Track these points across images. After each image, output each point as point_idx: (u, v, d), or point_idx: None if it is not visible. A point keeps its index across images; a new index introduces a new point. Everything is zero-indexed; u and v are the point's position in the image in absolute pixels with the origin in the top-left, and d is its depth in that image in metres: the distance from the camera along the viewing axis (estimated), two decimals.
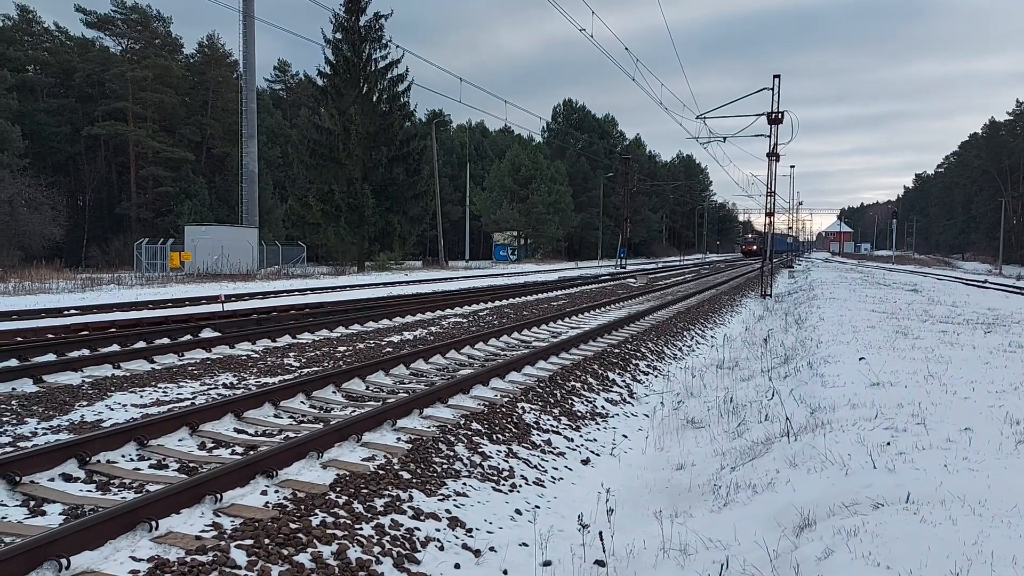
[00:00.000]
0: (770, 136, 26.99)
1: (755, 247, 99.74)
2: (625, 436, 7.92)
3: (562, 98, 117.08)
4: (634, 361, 11.79)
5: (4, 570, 3.43)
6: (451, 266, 55.30)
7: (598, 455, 7.20)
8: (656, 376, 11.34)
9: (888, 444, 5.31)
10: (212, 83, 66.16)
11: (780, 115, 26.51)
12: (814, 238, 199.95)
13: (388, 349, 11.64)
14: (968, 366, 8.71)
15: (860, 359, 9.25)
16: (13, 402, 7.31)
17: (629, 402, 9.53)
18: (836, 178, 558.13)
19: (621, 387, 10.11)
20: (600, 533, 4.52)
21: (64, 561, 3.62)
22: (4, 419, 6.73)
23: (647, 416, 8.81)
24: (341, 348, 11.67)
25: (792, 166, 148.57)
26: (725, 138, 31.55)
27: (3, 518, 4.44)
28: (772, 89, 26.39)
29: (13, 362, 9.31)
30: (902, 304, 18.94)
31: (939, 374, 8.08)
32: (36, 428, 6.52)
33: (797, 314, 18.06)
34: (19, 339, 11.47)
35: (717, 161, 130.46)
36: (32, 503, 4.69)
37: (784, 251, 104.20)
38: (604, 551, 4.47)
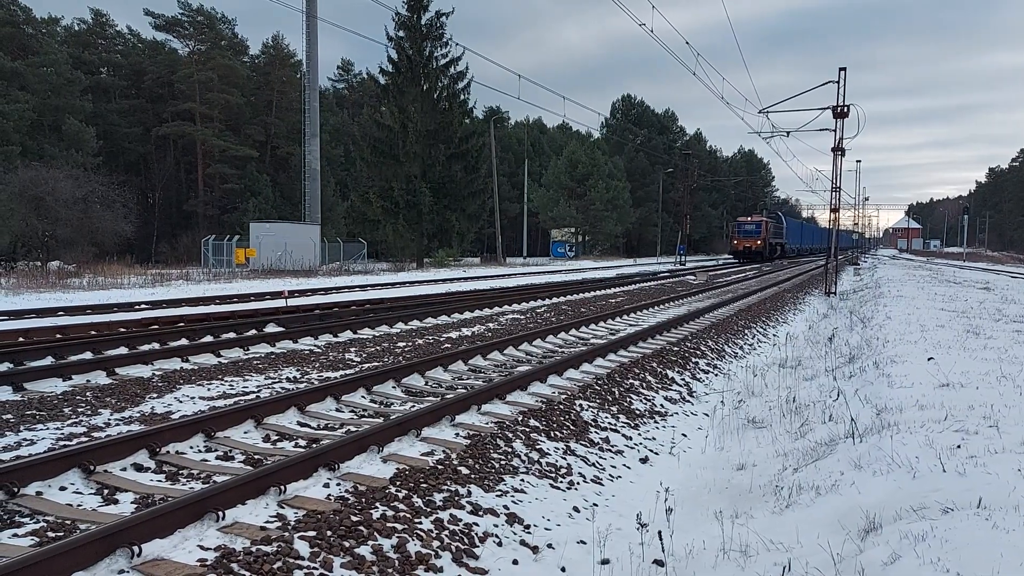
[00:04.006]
0: (835, 130, 26.36)
1: (759, 241, 60.06)
2: (684, 435, 7.83)
3: (621, 93, 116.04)
4: (693, 359, 11.66)
5: (80, 555, 3.57)
6: (509, 263, 55.39)
7: (657, 454, 7.14)
8: (716, 375, 11.19)
9: (958, 447, 5.15)
10: (276, 83, 67.46)
11: (846, 109, 25.86)
12: (881, 234, 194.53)
13: (447, 345, 11.73)
14: None
15: (929, 359, 8.98)
16: (88, 393, 7.60)
17: (689, 401, 9.43)
18: (904, 173, 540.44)
19: (680, 385, 10.01)
20: (659, 532, 4.48)
21: (136, 548, 3.74)
22: (79, 410, 6.99)
23: (707, 415, 8.71)
24: (400, 344, 11.80)
25: (858, 161, 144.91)
26: (788, 133, 30.91)
27: (79, 505, 4.61)
28: (837, 82, 25.76)
29: (88, 355, 9.68)
30: (973, 303, 18.30)
31: (1013, 375, 7.79)
32: (109, 419, 6.76)
33: (862, 312, 17.61)
34: (93, 333, 11.90)
35: (780, 156, 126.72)
36: (105, 491, 4.86)
37: (848, 248, 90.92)
38: (663, 550, 4.43)
